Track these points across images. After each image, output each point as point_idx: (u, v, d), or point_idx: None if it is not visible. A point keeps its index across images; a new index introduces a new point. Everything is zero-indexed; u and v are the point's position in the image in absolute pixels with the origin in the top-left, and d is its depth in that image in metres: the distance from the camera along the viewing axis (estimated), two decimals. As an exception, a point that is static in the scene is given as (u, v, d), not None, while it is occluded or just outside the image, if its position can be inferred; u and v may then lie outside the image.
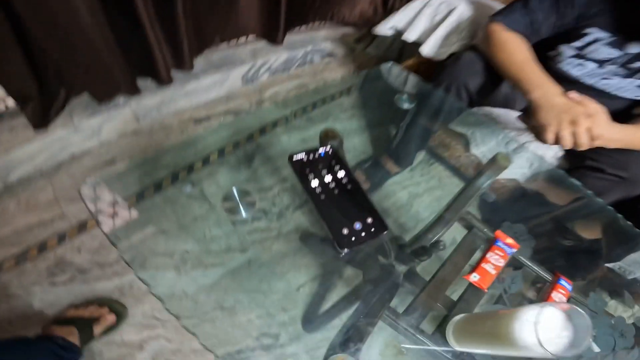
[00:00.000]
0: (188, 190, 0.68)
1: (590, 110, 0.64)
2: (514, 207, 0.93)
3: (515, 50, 0.74)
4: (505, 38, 0.76)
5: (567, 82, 0.78)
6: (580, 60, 0.78)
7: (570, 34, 0.76)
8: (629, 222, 0.71)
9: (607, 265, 0.81)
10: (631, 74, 0.75)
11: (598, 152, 0.73)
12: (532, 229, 0.89)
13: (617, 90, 0.78)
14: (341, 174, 0.52)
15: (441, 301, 0.53)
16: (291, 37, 1.44)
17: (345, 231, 0.46)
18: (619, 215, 0.72)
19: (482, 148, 0.84)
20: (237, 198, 0.65)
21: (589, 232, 0.86)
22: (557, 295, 0.57)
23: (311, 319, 0.59)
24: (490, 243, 0.58)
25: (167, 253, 0.58)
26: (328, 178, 0.51)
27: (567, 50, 0.78)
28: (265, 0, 1.22)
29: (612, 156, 0.76)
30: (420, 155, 1.00)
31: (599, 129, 0.63)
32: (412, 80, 0.84)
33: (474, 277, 0.54)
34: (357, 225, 0.47)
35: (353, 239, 0.46)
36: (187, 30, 1.02)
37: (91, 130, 0.96)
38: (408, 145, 0.89)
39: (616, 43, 0.73)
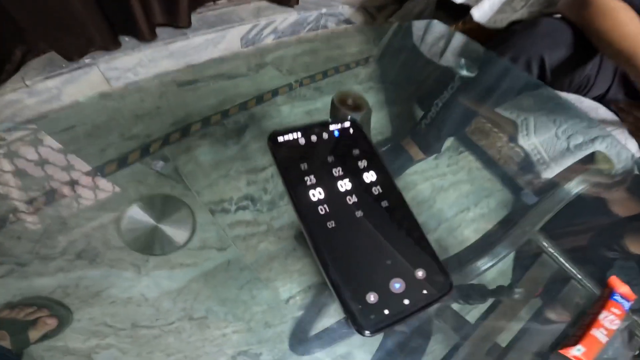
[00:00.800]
0: (159, 167, 0.57)
1: None
2: (562, 213, 0.81)
3: (628, 20, 0.65)
4: (614, 5, 0.66)
5: None
6: None
7: None
8: None
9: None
10: None
11: None
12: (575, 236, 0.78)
13: None
14: (370, 176, 0.28)
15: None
16: None
17: (372, 298, 0.23)
18: None
19: (534, 139, 0.72)
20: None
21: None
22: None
23: (301, 339, 0.49)
24: (605, 298, 0.42)
25: (125, 247, 0.48)
26: (344, 184, 0.26)
27: None
28: None
29: None
30: (449, 141, 0.88)
31: None
32: (462, 45, 0.71)
33: (577, 352, 0.38)
34: (397, 286, 0.24)
35: (386, 312, 0.22)
36: None
37: (49, 93, 0.86)
38: (441, 128, 0.76)
39: None
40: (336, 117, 0.37)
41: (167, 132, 0.64)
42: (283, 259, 0.51)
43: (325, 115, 0.44)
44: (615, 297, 0.41)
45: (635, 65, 0.60)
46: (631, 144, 0.70)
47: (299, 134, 0.28)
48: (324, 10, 1.36)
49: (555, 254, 0.49)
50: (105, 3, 0.85)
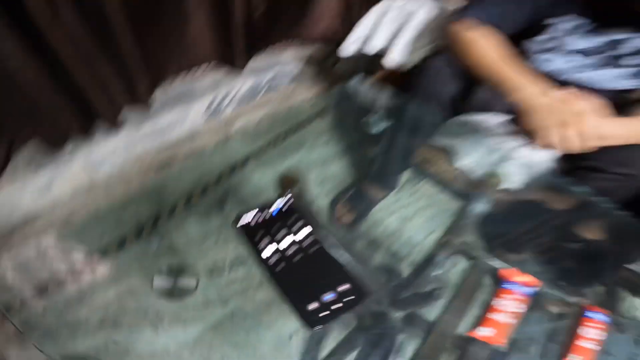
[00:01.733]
0: (155, 245, 0.71)
1: (579, 108, 0.66)
2: (513, 219, 1.00)
3: (487, 48, 0.78)
4: (473, 36, 0.80)
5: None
6: (550, 55, 0.83)
7: (540, 26, 0.82)
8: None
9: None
10: (616, 63, 0.80)
11: (598, 150, 0.74)
12: (536, 238, 0.96)
13: (600, 83, 0.82)
14: (303, 233, 0.49)
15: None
16: (254, 62, 1.53)
17: (312, 306, 0.43)
18: (626, 215, 0.77)
19: (466, 161, 0.92)
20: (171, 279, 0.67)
21: (595, 234, 0.92)
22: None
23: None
24: (496, 287, 0.57)
25: (140, 310, 0.61)
26: (286, 242, 0.48)
27: (533, 44, 0.84)
28: (219, 24, 1.29)
29: (613, 153, 0.75)
30: (406, 175, 1.07)
31: (591, 129, 0.64)
32: (383, 95, 0.92)
33: (482, 331, 0.51)
34: (328, 297, 0.44)
35: (325, 313, 0.43)
36: (136, 65, 1.08)
37: (40, 187, 0.98)
38: (390, 166, 0.95)
39: (593, 31, 0.79)
40: (282, 193, 0.57)
41: (156, 212, 0.79)
42: (278, 303, 0.65)
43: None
44: (504, 286, 0.55)
45: (501, 90, 0.71)
46: (540, 152, 0.90)
47: (253, 215, 0.50)
48: (276, 70, 1.58)
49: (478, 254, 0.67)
50: (68, 92, 0.96)
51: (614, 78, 0.80)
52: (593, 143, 0.65)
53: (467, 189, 1.02)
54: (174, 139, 1.22)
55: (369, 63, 1.60)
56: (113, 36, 0.97)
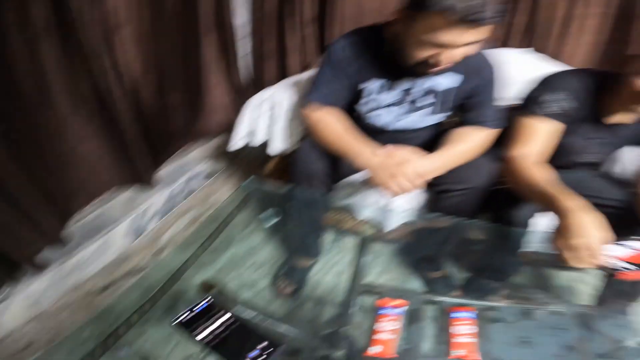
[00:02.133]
0: (123, 354, 0.77)
1: (401, 158, 0.90)
2: (423, 246, 1.25)
3: (329, 125, 1.00)
4: (317, 117, 1.02)
5: (379, 133, 1.10)
6: (376, 112, 1.07)
7: (360, 91, 1.04)
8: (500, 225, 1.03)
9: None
10: (415, 107, 1.05)
11: (438, 177, 0.99)
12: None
13: (415, 124, 1.09)
14: (225, 317, 0.70)
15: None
16: (163, 172, 1.66)
17: None
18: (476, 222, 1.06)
19: (365, 213, 1.17)
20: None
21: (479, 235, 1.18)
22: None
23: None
24: (376, 315, 0.72)
25: None
26: (215, 325, 0.68)
27: (362, 107, 1.07)
28: (115, 146, 1.35)
29: (450, 175, 1.02)
30: (329, 237, 1.27)
31: (415, 170, 0.89)
32: (271, 188, 1.13)
33: (376, 350, 0.64)
34: (253, 354, 0.62)
35: None
36: (39, 206, 1.10)
37: None
38: (307, 238, 1.15)
39: (391, 86, 1.02)
40: (203, 295, 0.75)
41: (113, 327, 0.84)
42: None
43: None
44: (381, 312, 0.71)
45: (348, 158, 0.94)
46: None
47: (185, 314, 0.69)
48: (188, 174, 1.73)
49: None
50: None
51: (421, 119, 1.08)
52: (419, 182, 0.90)
53: (375, 236, 1.27)
54: (108, 263, 1.28)
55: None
56: (8, 184, 1.00)
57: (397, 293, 0.88)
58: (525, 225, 1.00)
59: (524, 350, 0.67)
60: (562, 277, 1.22)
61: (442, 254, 1.24)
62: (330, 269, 1.24)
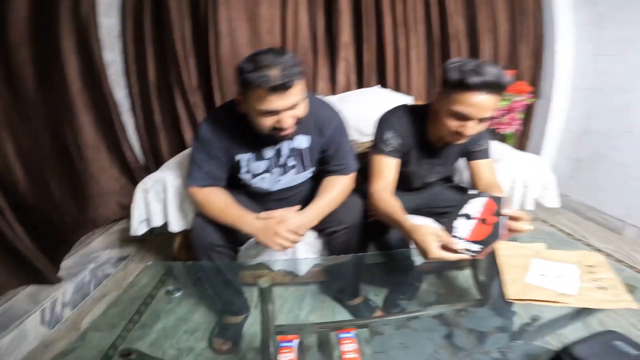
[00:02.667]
0: None
1: (280, 217, 1.07)
2: (333, 280, 1.44)
3: (212, 203, 1.13)
4: (202, 196, 1.15)
5: (266, 195, 1.26)
6: (257, 178, 1.20)
7: (236, 165, 1.17)
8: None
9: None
10: (285, 169, 1.20)
11: (323, 223, 1.19)
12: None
13: (291, 182, 1.25)
14: None
15: None
16: (67, 264, 1.61)
17: None
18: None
19: (278, 265, 1.37)
20: None
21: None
22: (346, 347, 0.78)
23: None
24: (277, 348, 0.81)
25: None
26: None
27: (244, 176, 1.20)
28: (6, 252, 1.33)
29: (331, 219, 1.21)
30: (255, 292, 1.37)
31: (294, 225, 1.06)
32: (173, 270, 1.24)
33: None
34: None
35: None
36: None
37: None
38: (230, 299, 1.27)
39: (258, 156, 1.16)
40: None
41: None
42: None
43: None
44: (282, 345, 0.79)
45: (234, 228, 1.10)
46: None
47: None
48: (93, 264, 1.68)
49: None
50: None
51: (293, 177, 1.25)
52: (298, 236, 1.07)
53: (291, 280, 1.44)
54: (29, 351, 1.24)
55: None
56: None
57: (294, 329, 1.01)
58: (400, 245, 1.18)
59: (402, 356, 0.82)
60: (459, 278, 1.51)
61: (355, 283, 1.42)
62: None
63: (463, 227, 0.92)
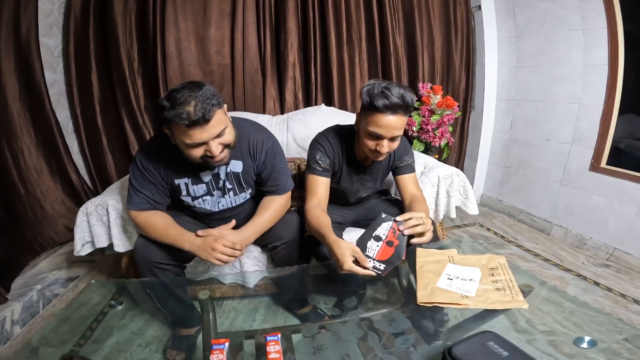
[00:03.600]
0: None
1: (217, 235, 1.15)
2: (282, 291, 1.51)
3: (153, 226, 1.19)
4: (142, 220, 1.20)
5: (209, 215, 1.32)
6: (198, 200, 1.26)
7: (176, 189, 1.23)
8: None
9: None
10: (223, 191, 1.27)
11: (265, 239, 1.30)
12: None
13: (232, 203, 1.33)
14: None
15: None
16: (14, 285, 1.59)
17: None
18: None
19: (229, 279, 1.47)
20: None
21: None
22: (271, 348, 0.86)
23: None
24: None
25: None
26: None
27: (185, 198, 1.26)
28: None
29: (271, 235, 1.31)
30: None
31: (230, 241, 1.14)
32: (127, 287, 1.28)
33: None
34: None
35: None
36: None
37: None
38: (182, 313, 1.31)
39: (196, 180, 1.22)
40: None
41: None
42: None
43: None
44: (215, 347, 0.84)
45: (176, 246, 1.17)
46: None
47: None
48: (38, 287, 1.65)
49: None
50: None
51: (232, 199, 1.32)
52: (240, 247, 1.16)
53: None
54: None
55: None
56: None
57: (230, 335, 1.09)
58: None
59: (319, 356, 0.89)
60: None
61: (302, 293, 1.50)
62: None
63: (373, 247, 1.04)
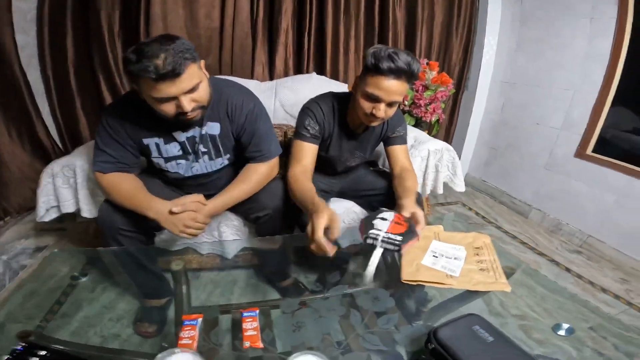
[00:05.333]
0: None
1: (185, 206, 1.06)
2: (264, 263, 1.48)
3: (118, 188, 1.10)
4: (107, 182, 1.11)
5: (183, 181, 1.24)
6: (171, 163, 1.18)
7: (145, 149, 1.14)
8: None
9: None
10: (198, 155, 1.18)
11: (248, 208, 1.24)
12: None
13: (207, 169, 1.23)
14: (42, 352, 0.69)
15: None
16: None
17: None
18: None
19: (206, 249, 1.40)
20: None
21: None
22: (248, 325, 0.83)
23: None
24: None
25: None
26: None
27: (156, 160, 1.17)
28: None
29: (254, 205, 1.25)
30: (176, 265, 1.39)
31: (202, 214, 1.09)
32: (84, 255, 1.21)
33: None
34: None
35: None
36: None
37: None
38: (145, 284, 1.26)
39: (168, 139, 1.12)
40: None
41: None
42: None
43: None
44: (185, 324, 0.81)
45: (140, 213, 1.08)
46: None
47: None
48: (4, 258, 1.59)
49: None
50: None
51: (208, 164, 1.24)
52: (204, 222, 1.11)
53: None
54: None
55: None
56: None
57: (204, 310, 1.06)
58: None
59: (299, 333, 0.85)
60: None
61: (284, 266, 1.46)
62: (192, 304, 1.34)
63: (382, 224, 0.95)
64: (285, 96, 1.98)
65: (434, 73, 2.17)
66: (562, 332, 0.86)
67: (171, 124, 1.10)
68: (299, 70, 2.26)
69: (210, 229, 1.42)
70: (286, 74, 2.21)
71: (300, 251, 1.45)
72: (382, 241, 0.89)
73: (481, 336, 0.70)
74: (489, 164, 2.79)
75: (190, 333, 0.79)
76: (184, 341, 0.77)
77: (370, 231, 0.91)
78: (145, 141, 1.15)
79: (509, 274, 0.96)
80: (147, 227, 1.18)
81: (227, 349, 0.84)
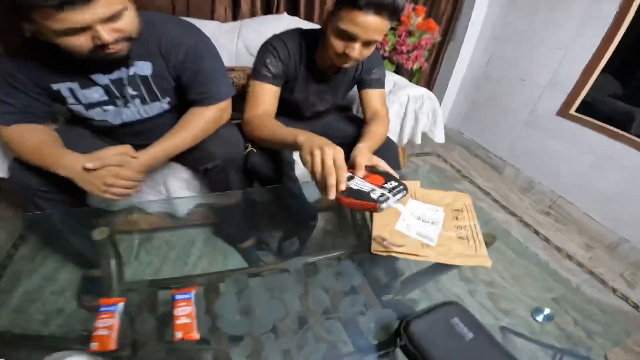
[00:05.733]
0: None
1: (108, 161, 0.89)
2: (223, 222, 1.35)
3: (23, 141, 0.93)
4: (9, 135, 0.94)
5: (114, 130, 1.07)
6: (96, 110, 1.00)
7: (57, 95, 0.96)
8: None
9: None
10: (127, 99, 1.00)
11: (193, 159, 1.09)
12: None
13: (142, 115, 1.06)
14: None
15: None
16: None
17: None
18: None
19: (154, 207, 1.25)
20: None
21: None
22: (180, 310, 0.68)
23: None
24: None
25: None
26: None
27: (75, 107, 1.00)
28: None
29: (201, 156, 1.08)
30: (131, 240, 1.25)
31: (131, 169, 0.92)
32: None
33: (94, 346, 0.61)
34: None
35: None
36: None
37: None
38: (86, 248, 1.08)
39: (86, 83, 0.95)
40: None
41: None
42: None
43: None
44: (100, 310, 0.68)
45: (49, 168, 0.90)
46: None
47: None
48: None
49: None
50: None
51: (141, 109, 1.06)
52: (134, 178, 0.93)
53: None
54: None
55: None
56: None
57: (134, 283, 0.92)
58: (279, 180, 1.08)
59: (248, 320, 0.72)
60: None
61: (243, 224, 1.33)
62: (144, 271, 1.22)
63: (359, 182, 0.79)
64: (250, 37, 1.72)
65: (420, 19, 1.96)
66: (540, 318, 0.78)
67: (88, 65, 0.89)
68: (267, 10, 1.96)
69: (155, 183, 1.23)
70: (253, 15, 1.91)
71: (260, 207, 1.31)
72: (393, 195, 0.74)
73: (460, 332, 0.61)
74: (468, 117, 2.69)
75: (107, 322, 0.65)
76: (100, 332, 0.63)
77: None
78: (55, 86, 0.94)
79: (489, 243, 0.87)
80: (73, 185, 0.97)
81: (153, 342, 0.70)
